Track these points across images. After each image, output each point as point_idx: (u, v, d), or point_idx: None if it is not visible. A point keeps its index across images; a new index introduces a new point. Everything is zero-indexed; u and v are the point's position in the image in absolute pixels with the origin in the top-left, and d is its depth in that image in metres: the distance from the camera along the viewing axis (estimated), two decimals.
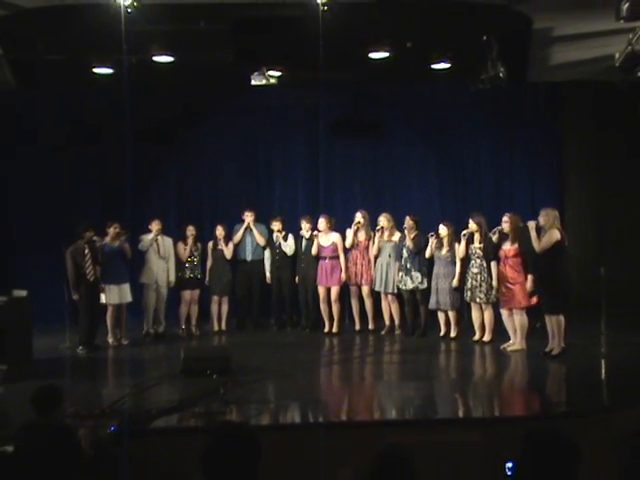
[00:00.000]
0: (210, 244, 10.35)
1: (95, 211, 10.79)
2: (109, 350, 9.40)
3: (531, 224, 8.27)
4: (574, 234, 10.27)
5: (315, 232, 10.09)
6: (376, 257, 9.98)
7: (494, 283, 8.87)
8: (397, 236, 9.85)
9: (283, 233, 10.38)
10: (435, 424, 6.22)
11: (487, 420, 6.38)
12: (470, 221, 9.16)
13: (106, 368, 8.97)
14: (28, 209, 11.18)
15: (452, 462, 5.61)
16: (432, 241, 9.47)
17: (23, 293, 8.04)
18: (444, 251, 9.43)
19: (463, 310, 9.62)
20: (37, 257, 10.79)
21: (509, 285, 8.71)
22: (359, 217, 10.04)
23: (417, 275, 9.60)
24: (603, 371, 7.98)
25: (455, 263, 9.39)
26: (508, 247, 8.74)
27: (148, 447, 5.70)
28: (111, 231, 9.48)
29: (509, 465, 2.78)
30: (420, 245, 9.59)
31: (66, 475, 4.66)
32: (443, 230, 9.44)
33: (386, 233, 9.88)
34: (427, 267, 9.64)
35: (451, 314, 9.46)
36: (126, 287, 9.61)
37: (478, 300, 9.06)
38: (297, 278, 10.33)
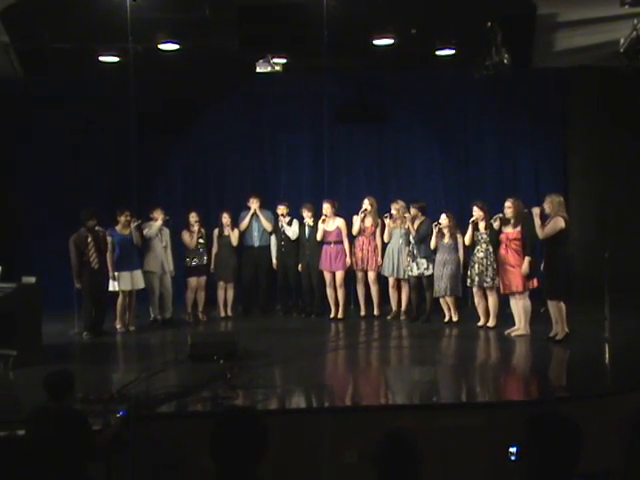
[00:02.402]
0: (215, 231, 10.40)
1: (103, 199, 10.84)
2: (117, 336, 9.48)
3: (535, 210, 8.28)
4: (578, 219, 10.30)
5: (323, 217, 10.12)
6: (386, 243, 10.03)
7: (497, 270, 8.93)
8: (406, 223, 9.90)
9: (287, 218, 10.41)
10: (440, 408, 6.26)
11: (491, 404, 6.41)
12: (475, 208, 9.18)
13: (114, 353, 9.03)
14: (37, 196, 11.23)
15: (456, 446, 5.66)
16: (435, 230, 9.50)
17: (32, 279, 8.09)
18: (446, 239, 9.48)
19: (467, 295, 9.67)
20: (46, 244, 10.85)
21: (509, 268, 8.74)
22: (366, 204, 10.06)
23: (422, 262, 9.65)
24: (607, 355, 8.02)
25: (457, 250, 9.43)
26: (510, 230, 8.77)
27: (156, 431, 5.76)
28: (122, 219, 9.54)
29: (513, 450, 2.80)
30: (425, 232, 9.63)
31: (76, 459, 4.73)
32: (444, 220, 9.48)
33: (399, 220, 9.91)
34: (434, 253, 9.68)
35: (449, 300, 9.52)
36: (138, 273, 9.69)
37: (485, 285, 9.08)
38: (300, 266, 10.37)
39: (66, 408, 4.87)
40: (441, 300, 9.63)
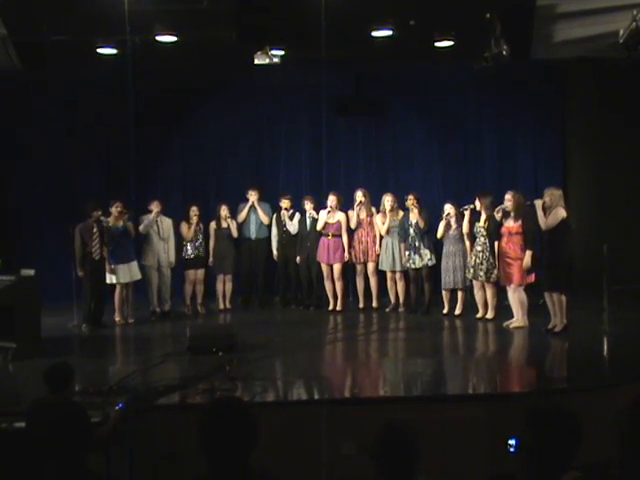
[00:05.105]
0: (212, 224, 10.38)
1: (100, 192, 10.81)
2: (116, 328, 9.48)
3: (538, 202, 8.25)
4: (577, 212, 10.28)
5: (329, 209, 10.08)
6: (381, 236, 10.02)
7: (496, 262, 8.89)
8: (401, 215, 9.89)
9: (290, 212, 10.40)
10: (438, 400, 6.26)
11: (490, 396, 6.42)
12: (476, 200, 9.17)
13: (113, 346, 9.04)
14: (35, 189, 11.21)
15: (455, 438, 5.66)
16: (444, 222, 9.47)
17: (31, 272, 8.10)
18: (452, 229, 9.47)
19: (466, 287, 9.67)
20: (45, 236, 10.86)
21: (509, 261, 8.72)
22: (360, 196, 10.05)
23: (426, 252, 9.64)
24: (605, 347, 8.02)
25: (464, 240, 9.44)
26: (511, 224, 8.75)
27: (155, 424, 5.76)
28: (114, 210, 9.51)
29: (512, 442, 2.80)
30: (429, 222, 9.62)
31: (76, 451, 4.72)
32: (451, 209, 9.44)
33: (393, 212, 9.91)
34: (434, 244, 9.68)
35: (460, 292, 9.51)
36: (134, 265, 9.68)
37: (479, 278, 9.11)
38: (299, 258, 10.37)
39: (66, 400, 4.87)
40: (444, 292, 9.62)
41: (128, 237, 9.65)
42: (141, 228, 9.81)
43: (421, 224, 9.61)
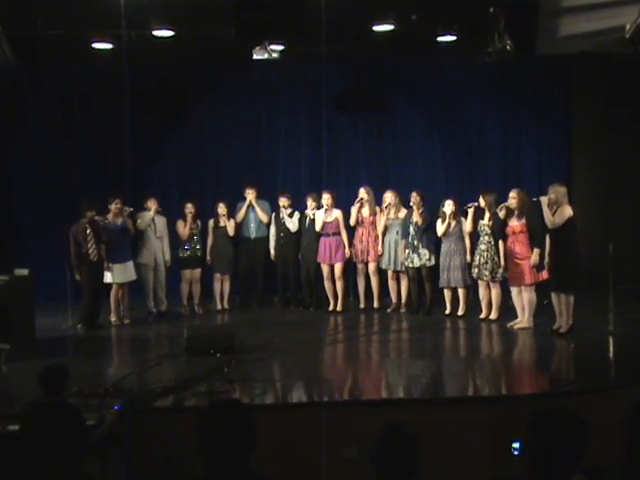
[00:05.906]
0: (211, 222, 10.28)
1: (97, 190, 10.69)
2: (112, 329, 9.37)
3: (544, 199, 8.10)
4: (582, 210, 10.17)
5: (325, 208, 9.98)
6: (383, 235, 9.90)
7: (502, 262, 8.76)
8: (403, 212, 9.77)
9: (289, 210, 10.29)
10: (441, 403, 6.19)
11: (494, 398, 6.32)
12: (480, 197, 9.04)
13: (109, 347, 8.94)
14: (30, 187, 11.08)
15: (458, 441, 5.59)
16: (446, 220, 9.35)
17: (24, 272, 8.03)
18: (452, 227, 9.35)
19: (470, 287, 9.54)
20: (39, 237, 10.76)
21: (517, 261, 8.57)
22: (362, 193, 9.93)
23: (425, 252, 9.51)
24: (611, 348, 7.92)
25: (464, 239, 9.31)
26: (515, 223, 8.61)
27: (152, 426, 5.69)
28: (113, 207, 9.41)
29: (516, 445, 2.72)
30: (428, 221, 9.50)
31: (71, 454, 4.62)
32: (452, 206, 9.32)
33: (393, 210, 9.79)
34: (435, 244, 9.55)
35: (461, 291, 9.38)
36: (130, 265, 9.57)
37: (484, 278, 8.97)
38: (299, 256, 10.25)
39: (61, 403, 4.78)
40: (445, 292, 9.49)
41: (127, 235, 9.54)
42: (140, 224, 9.68)
43: (419, 222, 9.48)
